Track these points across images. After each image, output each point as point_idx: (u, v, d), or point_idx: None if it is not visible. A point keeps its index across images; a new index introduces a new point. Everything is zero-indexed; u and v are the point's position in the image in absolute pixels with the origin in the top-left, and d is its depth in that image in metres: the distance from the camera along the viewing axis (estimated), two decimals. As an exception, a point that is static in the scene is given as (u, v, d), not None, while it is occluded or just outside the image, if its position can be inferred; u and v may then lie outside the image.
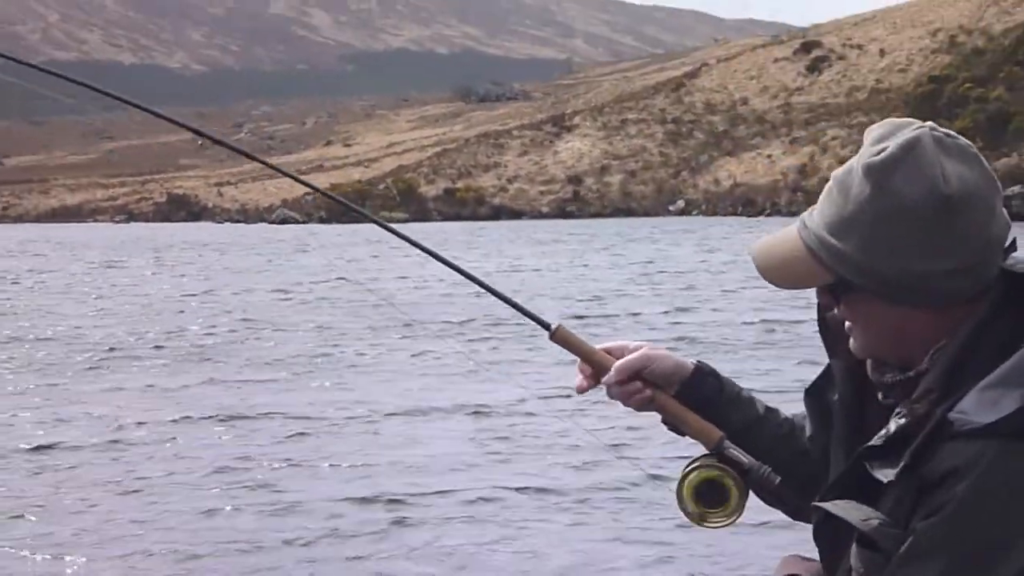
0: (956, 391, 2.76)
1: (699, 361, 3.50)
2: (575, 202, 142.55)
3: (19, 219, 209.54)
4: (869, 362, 3.08)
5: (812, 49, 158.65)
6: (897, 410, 2.93)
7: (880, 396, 3.06)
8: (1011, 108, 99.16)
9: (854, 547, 2.89)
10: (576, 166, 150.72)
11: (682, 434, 3.44)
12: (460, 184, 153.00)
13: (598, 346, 3.51)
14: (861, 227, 2.85)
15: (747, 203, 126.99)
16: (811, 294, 3.16)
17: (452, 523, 16.57)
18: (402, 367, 29.40)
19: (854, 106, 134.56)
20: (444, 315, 40.81)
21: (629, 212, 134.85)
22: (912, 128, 2.87)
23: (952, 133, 2.85)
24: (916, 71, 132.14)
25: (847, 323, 3.07)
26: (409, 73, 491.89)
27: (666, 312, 43.64)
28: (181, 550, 13.91)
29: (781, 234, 3.09)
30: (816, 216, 3.00)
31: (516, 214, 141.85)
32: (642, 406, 3.44)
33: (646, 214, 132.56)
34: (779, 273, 3.06)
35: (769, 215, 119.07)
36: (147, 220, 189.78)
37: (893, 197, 2.81)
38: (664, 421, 3.48)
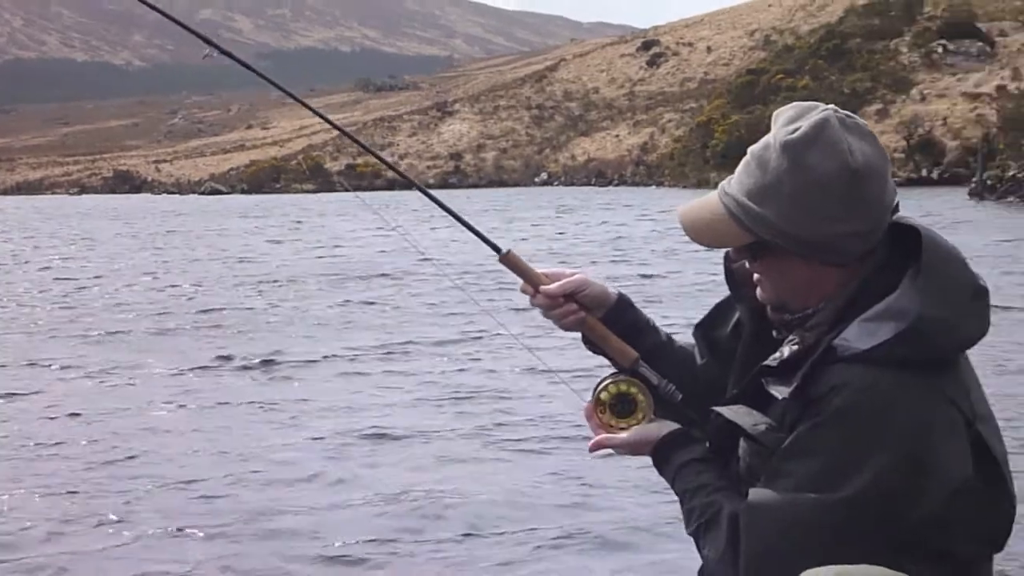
0: (843, 323, 2.92)
1: (620, 292, 3.52)
2: (456, 174, 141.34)
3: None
4: (770, 310, 3.17)
5: (651, 47, 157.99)
6: (790, 338, 3.07)
7: (775, 333, 3.16)
8: (815, 95, 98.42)
9: (742, 442, 3.09)
10: (457, 144, 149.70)
11: (600, 353, 3.45)
12: (360, 160, 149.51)
13: (540, 270, 3.46)
14: (780, 195, 2.91)
15: (599, 175, 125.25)
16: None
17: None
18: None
19: (686, 94, 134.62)
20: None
21: (502, 183, 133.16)
22: (819, 110, 2.94)
23: (852, 115, 2.96)
24: (737, 65, 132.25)
25: (756, 275, 3.12)
26: (317, 68, 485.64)
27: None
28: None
29: (703, 200, 3.14)
30: (735, 185, 3.03)
31: (407, 185, 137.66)
32: (572, 326, 3.44)
33: (516, 184, 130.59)
34: (705, 235, 3.10)
35: (616, 185, 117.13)
36: (96, 192, 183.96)
37: (809, 170, 2.88)
38: (585, 341, 3.49)
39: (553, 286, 3.37)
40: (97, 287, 36.29)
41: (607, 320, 3.41)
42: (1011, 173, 63.30)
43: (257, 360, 21.38)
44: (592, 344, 3.44)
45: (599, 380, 3.29)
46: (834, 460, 2.80)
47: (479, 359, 20.74)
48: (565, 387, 3.50)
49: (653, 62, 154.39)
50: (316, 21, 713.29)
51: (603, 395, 3.24)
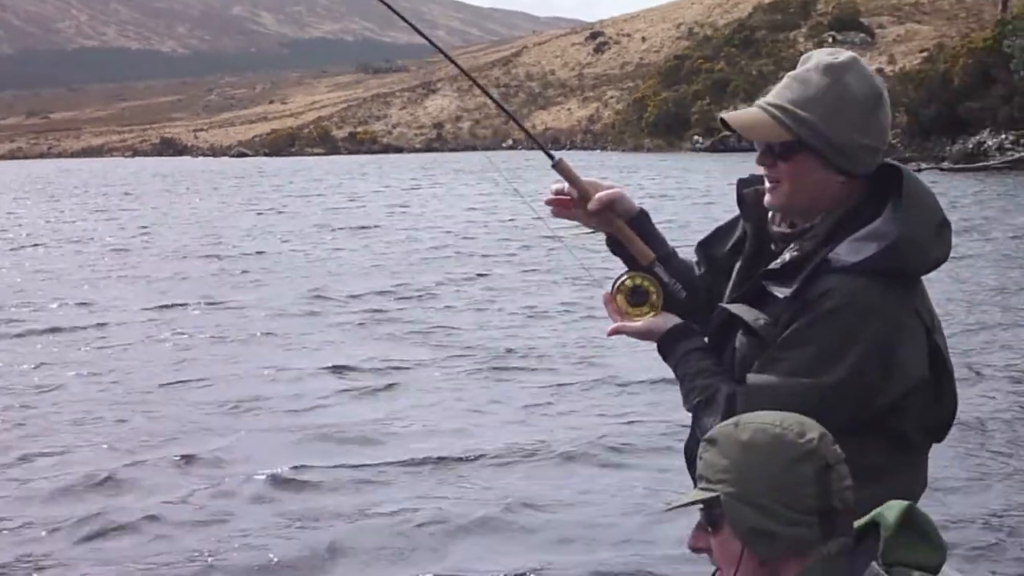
0: (836, 240, 2.92)
1: (642, 207, 3.43)
2: (438, 141, 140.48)
3: (59, 155, 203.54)
4: (775, 219, 3.15)
5: (597, 37, 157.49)
6: (792, 246, 3.04)
7: (774, 246, 3.13)
8: (728, 77, 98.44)
9: (739, 335, 3.07)
10: (439, 116, 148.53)
11: (619, 254, 3.40)
12: (360, 129, 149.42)
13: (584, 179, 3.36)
14: (821, 103, 2.93)
15: (554, 141, 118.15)
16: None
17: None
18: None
19: (625, 76, 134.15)
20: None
21: (474, 148, 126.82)
22: (851, 56, 3.02)
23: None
24: (666, 52, 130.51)
25: (775, 181, 3.05)
26: (326, 54, 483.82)
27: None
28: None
29: (744, 110, 3.12)
30: (778, 97, 3.03)
31: (398, 149, 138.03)
32: (604, 226, 3.36)
33: (486, 149, 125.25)
34: (754, 131, 3.05)
35: (568, 149, 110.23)
36: (146, 155, 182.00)
37: (846, 87, 2.95)
38: (609, 242, 3.42)
39: (601, 194, 3.34)
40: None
41: (631, 226, 3.38)
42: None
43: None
44: (616, 245, 3.42)
45: (620, 274, 3.29)
46: (823, 351, 2.87)
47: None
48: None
49: (598, 49, 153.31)
50: (325, 16, 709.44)
51: (622, 285, 3.24)
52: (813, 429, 2.31)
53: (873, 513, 2.37)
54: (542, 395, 12.38)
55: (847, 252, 2.89)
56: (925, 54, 70.81)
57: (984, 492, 8.49)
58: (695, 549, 2.42)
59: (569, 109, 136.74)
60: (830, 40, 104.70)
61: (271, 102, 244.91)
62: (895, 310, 2.91)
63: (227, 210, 46.48)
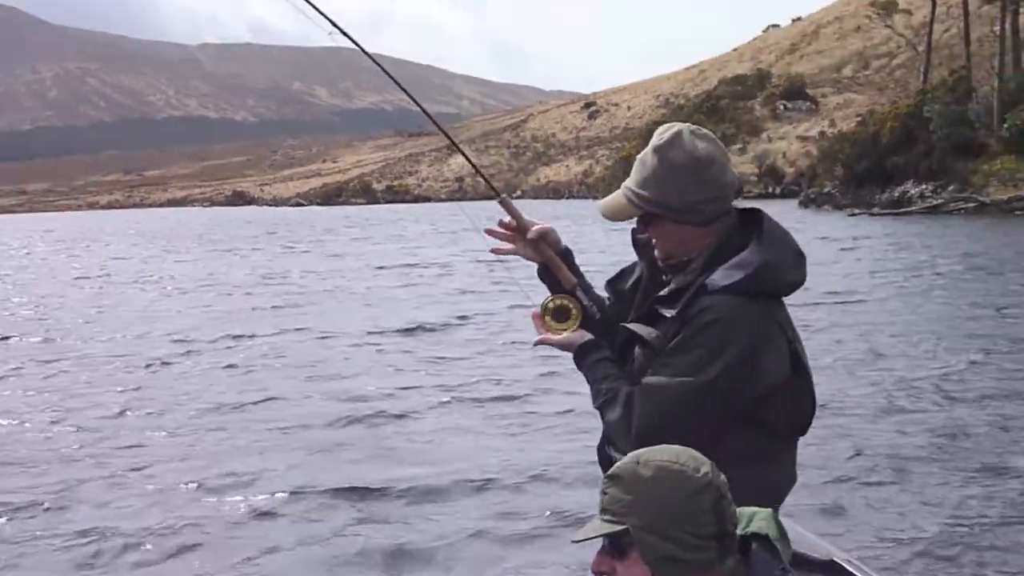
0: (711, 270, 3.00)
1: (567, 246, 3.50)
2: (459, 192, 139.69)
3: (149, 206, 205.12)
4: (662, 260, 3.20)
5: (591, 106, 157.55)
6: (676, 277, 3.13)
7: (664, 278, 3.19)
8: None
9: (637, 348, 3.13)
10: (460, 172, 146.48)
11: (546, 280, 3.45)
12: (396, 183, 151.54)
13: (523, 217, 3.44)
14: (654, 180, 3.04)
15: (554, 192, 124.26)
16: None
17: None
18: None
19: (613, 138, 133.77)
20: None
21: (489, 198, 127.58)
22: (676, 127, 3.10)
23: (699, 127, 3.12)
24: (647, 118, 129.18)
25: (652, 239, 3.19)
26: (370, 121, 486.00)
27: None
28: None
29: (613, 195, 3.20)
30: (630, 181, 3.12)
31: (427, 199, 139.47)
32: (537, 258, 3.42)
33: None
34: (612, 214, 3.17)
35: (567, 198, 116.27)
36: (220, 205, 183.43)
37: (669, 161, 3.02)
38: (539, 270, 3.47)
39: (537, 226, 3.42)
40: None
41: (559, 256, 3.46)
42: (826, 189, 63.15)
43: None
44: (545, 272, 3.47)
45: (547, 296, 3.34)
46: (701, 356, 2.95)
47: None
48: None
49: (592, 116, 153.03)
50: (369, 89, 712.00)
51: (549, 305, 3.31)
52: (705, 463, 2.29)
53: (745, 518, 2.39)
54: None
55: (720, 278, 2.99)
56: (859, 118, 70.42)
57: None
58: (598, 573, 2.31)
59: (567, 165, 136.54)
60: (781, 107, 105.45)
61: (323, 161, 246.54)
62: (759, 323, 2.99)
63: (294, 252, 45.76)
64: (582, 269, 3.54)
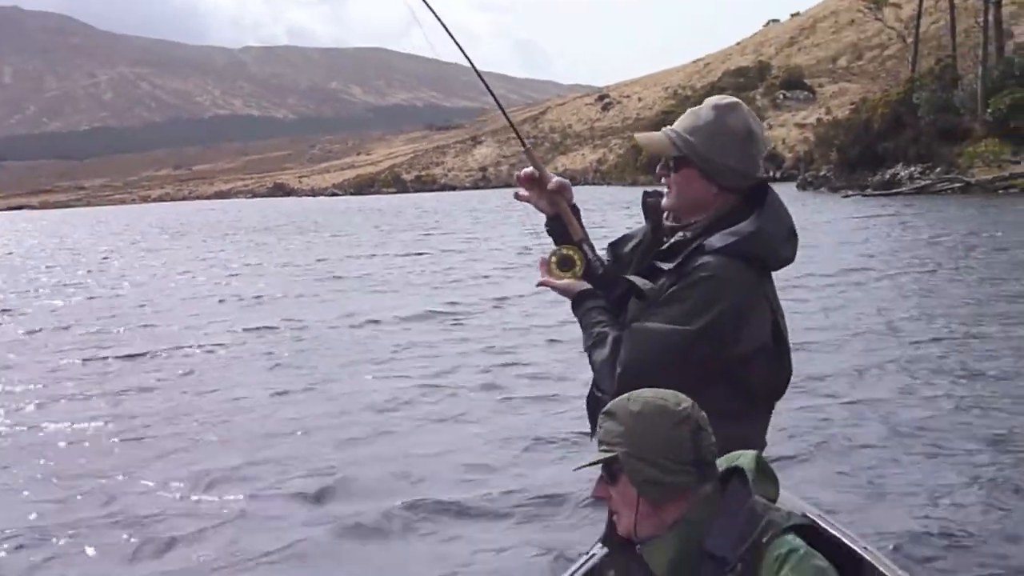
0: (710, 233, 3.00)
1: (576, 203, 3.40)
2: (483, 181, 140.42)
3: (197, 198, 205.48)
4: (668, 217, 3.18)
5: (604, 99, 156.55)
6: (678, 235, 3.11)
7: (665, 238, 3.17)
8: None
9: (632, 300, 3.10)
10: (483, 161, 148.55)
11: (555, 233, 3.37)
12: (423, 173, 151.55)
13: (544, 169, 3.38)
14: (704, 132, 3.04)
15: (571, 179, 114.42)
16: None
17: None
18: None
19: (625, 128, 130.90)
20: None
21: (510, 186, 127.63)
22: (736, 101, 3.11)
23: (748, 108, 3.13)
24: (657, 109, 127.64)
25: (668, 188, 3.16)
26: (401, 117, 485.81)
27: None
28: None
29: (650, 133, 3.19)
30: (677, 125, 3.11)
31: (452, 188, 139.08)
32: (551, 207, 3.34)
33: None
34: (652, 146, 3.13)
35: (582, 184, 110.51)
36: (262, 197, 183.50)
37: (724, 123, 3.04)
38: (548, 223, 3.38)
39: (556, 179, 3.38)
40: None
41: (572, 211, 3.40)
42: (822, 173, 63.01)
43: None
44: (555, 225, 3.39)
45: (556, 247, 3.32)
46: (690, 307, 2.92)
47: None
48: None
49: (605, 108, 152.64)
50: (400, 87, 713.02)
51: (557, 252, 3.29)
52: (686, 400, 2.40)
53: (730, 460, 2.48)
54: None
55: (718, 240, 2.97)
56: (853, 106, 69.84)
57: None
58: (598, 498, 2.47)
59: (583, 154, 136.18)
60: (781, 97, 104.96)
61: (358, 154, 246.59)
62: (748, 287, 2.98)
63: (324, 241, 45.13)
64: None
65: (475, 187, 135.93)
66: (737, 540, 2.29)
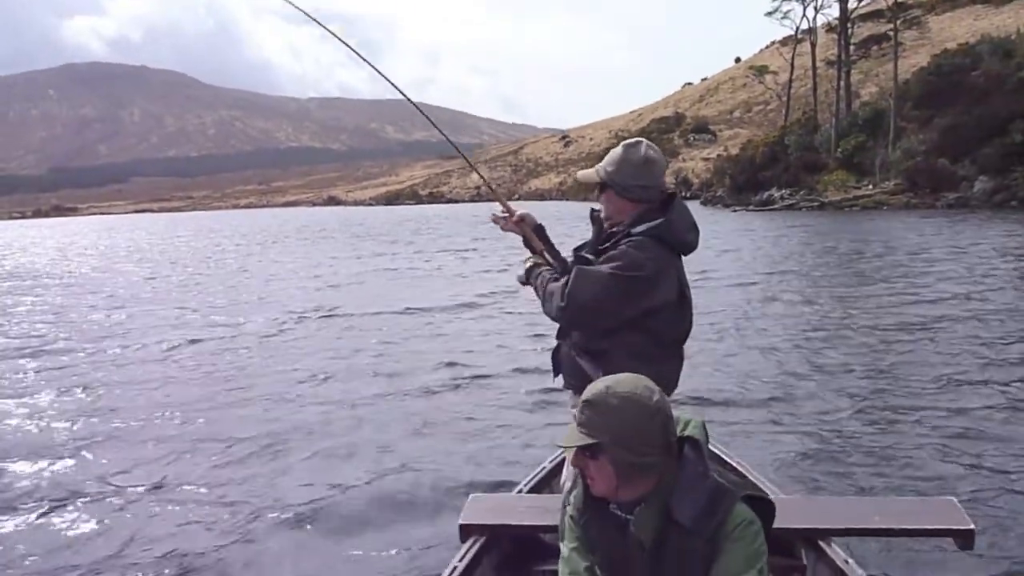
0: (634, 226, 3.04)
1: (540, 223, 3.49)
2: (478, 196, 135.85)
3: (272, 207, 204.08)
4: (607, 224, 3.20)
5: (566, 138, 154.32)
6: (611, 230, 3.14)
7: (604, 235, 3.18)
8: None
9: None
10: (478, 182, 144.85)
11: (528, 246, 3.44)
12: (435, 190, 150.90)
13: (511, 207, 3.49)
14: (616, 165, 3.09)
15: (540, 196, 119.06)
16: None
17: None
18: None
19: (580, 160, 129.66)
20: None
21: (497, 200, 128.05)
22: (639, 140, 3.12)
23: (654, 144, 3.13)
24: (603, 147, 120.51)
25: (603, 205, 3.21)
26: (421, 149, 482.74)
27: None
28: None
29: (586, 171, 3.21)
30: (602, 163, 3.15)
31: (455, 201, 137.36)
32: (519, 232, 3.45)
33: (506, 200, 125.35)
34: (584, 178, 3.19)
35: (550, 200, 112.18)
36: (320, 206, 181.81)
37: (628, 155, 3.07)
38: (523, 242, 3.46)
39: (519, 212, 3.46)
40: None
41: (535, 232, 3.44)
42: (718, 193, 62.43)
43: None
44: (527, 241, 3.42)
45: (524, 260, 3.38)
46: (618, 265, 2.94)
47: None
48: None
49: (567, 145, 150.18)
50: (422, 128, 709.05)
51: (527, 262, 3.35)
52: (656, 391, 2.24)
53: (684, 430, 2.31)
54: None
55: (638, 228, 3.02)
56: (741, 145, 69.13)
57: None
58: (576, 466, 2.31)
59: (550, 178, 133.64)
60: (692, 138, 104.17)
61: (389, 176, 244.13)
62: (660, 258, 2.98)
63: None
64: (560, 241, 3.58)
65: (472, 200, 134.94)
66: (702, 515, 2.18)
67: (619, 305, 2.90)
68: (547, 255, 3.37)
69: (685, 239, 3.10)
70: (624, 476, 2.21)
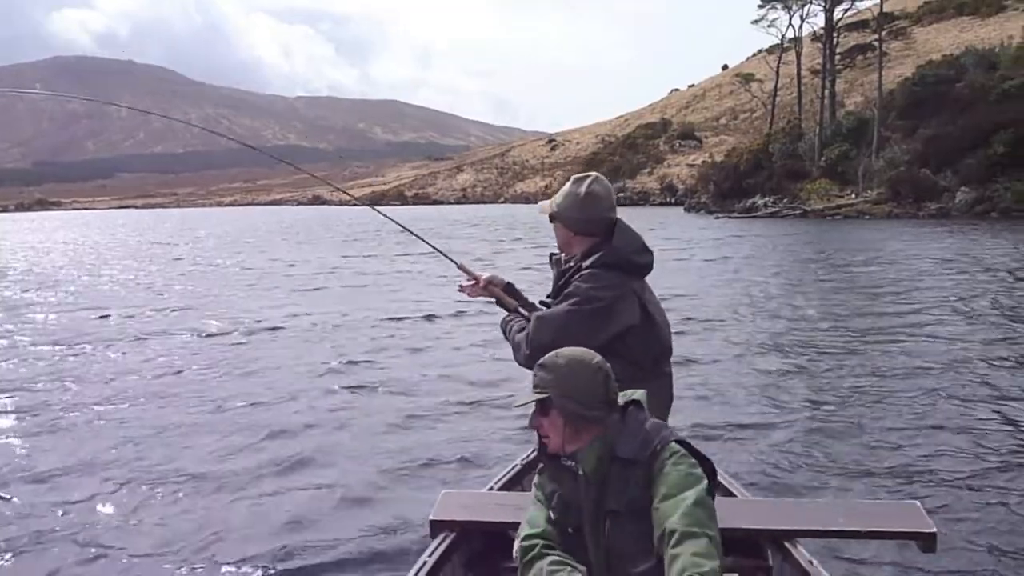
0: (586, 259, 3.11)
1: (508, 280, 3.47)
2: (464, 199, 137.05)
3: (257, 204, 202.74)
4: (562, 259, 3.29)
5: (552, 142, 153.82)
6: (565, 264, 3.23)
7: (560, 273, 3.24)
8: (620, 164, 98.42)
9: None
10: (464, 184, 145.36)
11: (504, 308, 3.43)
12: (420, 192, 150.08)
13: (476, 273, 3.47)
14: (563, 199, 3.20)
15: (525, 200, 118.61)
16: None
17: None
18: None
19: (567, 163, 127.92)
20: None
21: (482, 202, 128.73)
22: (589, 175, 3.25)
23: (601, 177, 3.23)
24: (589, 150, 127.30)
25: (557, 236, 3.29)
26: (409, 150, 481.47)
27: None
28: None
29: (543, 203, 3.31)
30: (554, 197, 3.26)
31: (441, 203, 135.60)
32: (489, 295, 3.44)
33: (491, 203, 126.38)
34: (540, 211, 3.30)
35: (537, 203, 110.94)
36: (304, 205, 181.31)
37: (573, 191, 3.16)
38: (497, 303, 3.45)
39: (485, 276, 3.44)
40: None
41: (504, 291, 3.42)
42: (703, 200, 62.51)
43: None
44: (500, 303, 3.42)
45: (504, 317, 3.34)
46: (574, 300, 3.03)
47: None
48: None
49: (553, 148, 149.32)
50: (409, 128, 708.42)
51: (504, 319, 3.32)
52: (597, 356, 2.51)
53: (627, 396, 2.55)
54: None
55: (588, 261, 3.09)
56: (726, 152, 69.36)
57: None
58: (533, 427, 2.54)
59: (535, 181, 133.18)
60: (677, 144, 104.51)
61: (376, 176, 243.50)
62: (614, 285, 3.02)
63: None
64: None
65: (457, 203, 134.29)
66: (639, 447, 2.42)
67: (581, 340, 2.84)
68: (522, 310, 3.36)
69: (636, 261, 3.14)
70: (572, 427, 2.46)
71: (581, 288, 3.03)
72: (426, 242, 3.75)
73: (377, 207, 3.89)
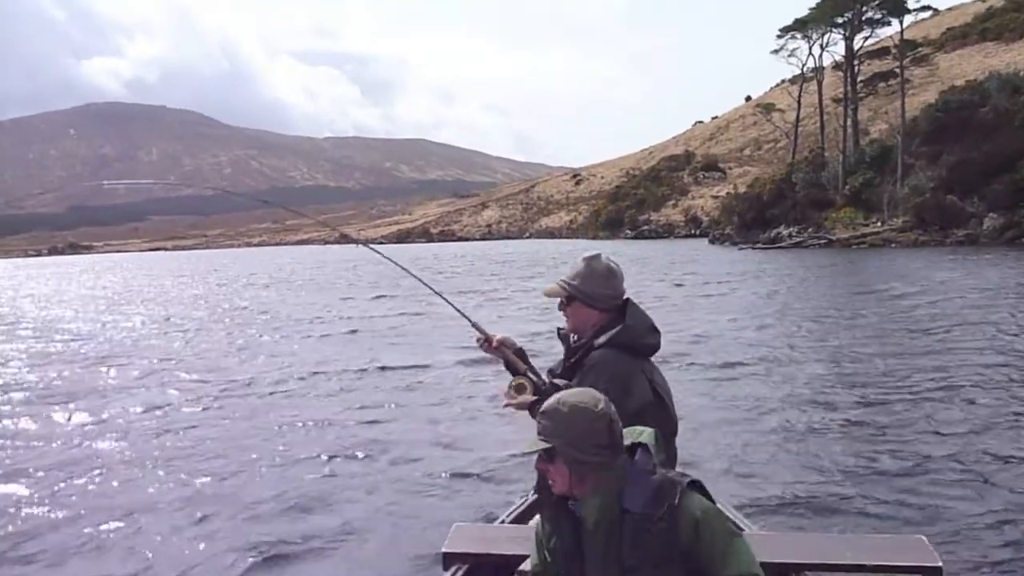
0: (598, 336, 3.22)
1: (520, 346, 3.48)
2: (488, 235, 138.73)
3: (285, 244, 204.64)
4: (572, 337, 3.39)
5: (577, 176, 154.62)
6: (574, 341, 3.34)
7: (571, 344, 3.36)
8: (644, 197, 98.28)
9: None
10: (490, 220, 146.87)
11: (510, 369, 3.44)
12: (446, 228, 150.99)
13: (489, 333, 3.47)
14: (579, 275, 3.29)
15: (550, 234, 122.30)
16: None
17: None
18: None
19: (592, 198, 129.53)
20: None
21: (508, 238, 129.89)
22: (598, 252, 3.36)
23: (611, 256, 3.33)
24: (613, 184, 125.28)
25: (566, 318, 3.38)
26: (435, 188, 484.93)
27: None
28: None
29: (550, 286, 3.37)
30: (564, 276, 3.32)
31: (467, 239, 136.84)
32: (501, 356, 3.45)
33: (516, 238, 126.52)
34: (549, 292, 3.36)
35: (559, 238, 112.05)
36: (331, 244, 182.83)
37: (592, 267, 3.29)
38: (504, 364, 3.46)
39: (498, 336, 3.45)
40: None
41: (515, 354, 3.42)
42: (727, 231, 62.37)
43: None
44: (508, 364, 3.43)
45: (511, 379, 3.31)
46: (589, 384, 2.92)
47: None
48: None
49: (578, 183, 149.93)
50: (436, 166, 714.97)
51: (512, 383, 3.30)
52: (601, 400, 2.49)
53: (635, 436, 2.56)
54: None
55: (600, 340, 3.17)
56: (749, 183, 69.30)
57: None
58: (539, 469, 2.55)
59: (560, 216, 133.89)
60: (701, 176, 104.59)
61: (402, 214, 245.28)
62: (625, 364, 3.13)
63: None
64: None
65: (482, 238, 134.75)
66: (652, 501, 2.40)
67: None
68: (531, 375, 3.42)
69: (647, 342, 3.24)
70: (577, 474, 2.45)
71: (594, 368, 3.14)
72: (444, 298, 3.73)
73: (396, 261, 3.96)
